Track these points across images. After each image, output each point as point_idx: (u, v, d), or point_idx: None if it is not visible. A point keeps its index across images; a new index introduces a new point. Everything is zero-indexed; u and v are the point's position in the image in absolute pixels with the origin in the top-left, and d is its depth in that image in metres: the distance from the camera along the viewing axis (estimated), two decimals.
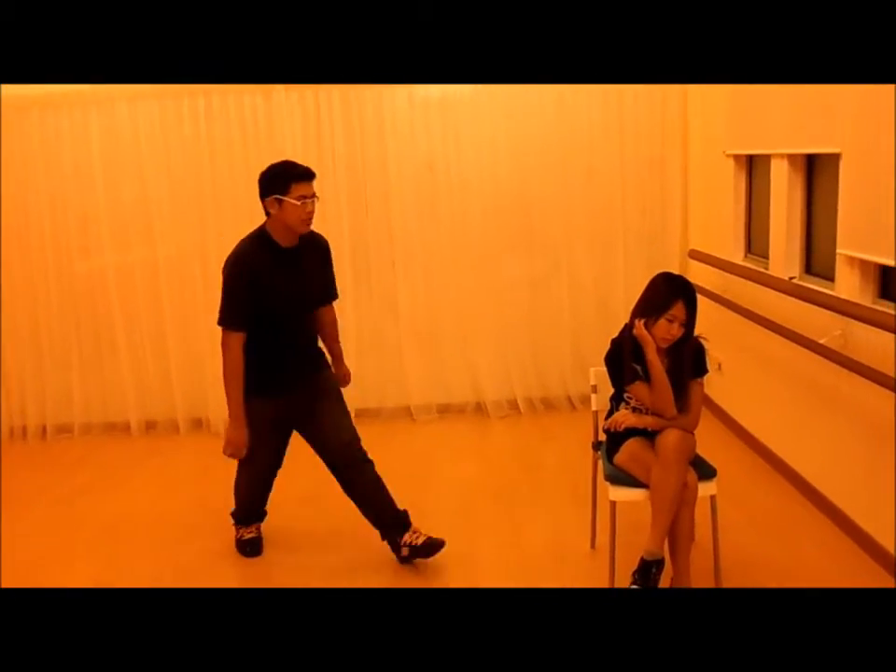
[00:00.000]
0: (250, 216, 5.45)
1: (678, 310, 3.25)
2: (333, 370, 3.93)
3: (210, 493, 4.73)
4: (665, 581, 3.23)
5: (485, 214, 5.64)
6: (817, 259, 4.23)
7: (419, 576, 3.68)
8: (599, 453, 3.58)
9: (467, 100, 5.52)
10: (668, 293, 3.29)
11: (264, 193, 3.49)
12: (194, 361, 5.75)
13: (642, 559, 3.12)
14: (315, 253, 3.69)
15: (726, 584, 3.43)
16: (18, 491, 4.88)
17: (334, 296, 3.92)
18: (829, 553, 3.71)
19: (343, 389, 3.88)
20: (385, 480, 3.80)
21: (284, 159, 3.58)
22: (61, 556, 4.04)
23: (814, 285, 4.09)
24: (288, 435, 3.89)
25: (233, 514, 4.07)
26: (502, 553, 3.85)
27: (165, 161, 5.54)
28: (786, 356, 4.33)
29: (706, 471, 3.30)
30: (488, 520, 4.15)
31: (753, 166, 4.95)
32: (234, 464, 5.19)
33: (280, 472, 4.01)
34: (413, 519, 3.77)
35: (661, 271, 3.48)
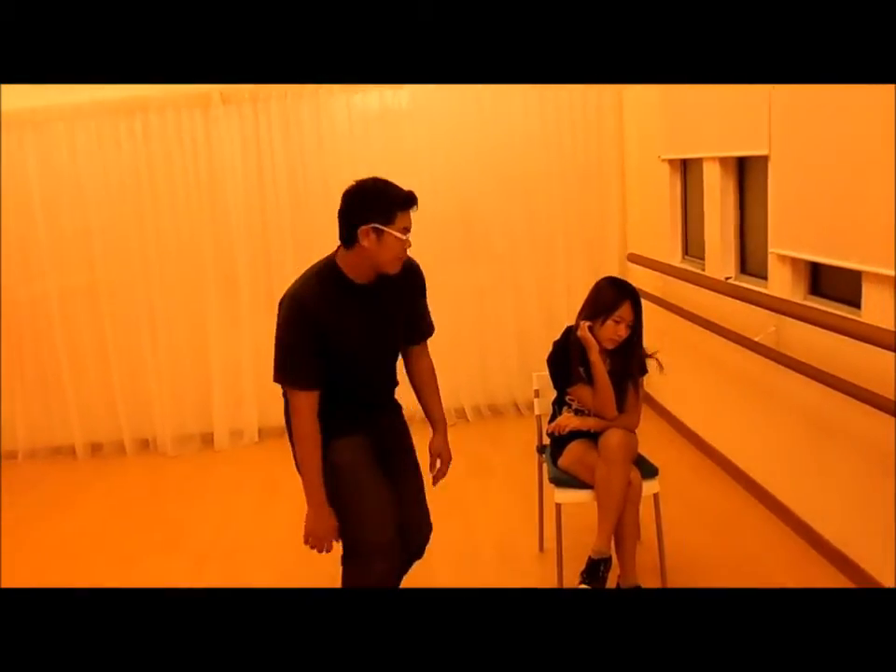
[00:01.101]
0: (190, 234, 5.54)
1: (624, 311, 3.32)
2: (430, 442, 3.11)
3: (160, 512, 4.71)
4: (612, 580, 3.28)
5: (427, 225, 5.62)
6: (751, 258, 4.33)
7: None
8: (544, 456, 3.62)
9: (404, 111, 5.56)
10: (615, 295, 3.35)
11: (359, 218, 2.67)
12: (138, 382, 5.72)
13: (590, 558, 3.17)
14: (401, 285, 2.86)
15: (672, 581, 3.49)
16: None
17: (428, 332, 3.09)
18: (772, 546, 3.79)
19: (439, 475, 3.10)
20: None
21: (382, 179, 2.76)
22: (10, 580, 3.98)
23: (749, 284, 4.19)
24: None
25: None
26: (452, 558, 3.88)
27: (104, 180, 5.49)
28: (724, 354, 4.42)
29: (648, 470, 3.36)
30: (437, 525, 4.13)
31: (687, 170, 5.05)
32: (181, 482, 5.19)
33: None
34: None
35: (602, 275, 3.53)
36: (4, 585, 3.93)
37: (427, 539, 3.08)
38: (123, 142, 5.46)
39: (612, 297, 3.33)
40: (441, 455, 3.08)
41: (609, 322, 3.30)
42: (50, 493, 5.18)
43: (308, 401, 2.75)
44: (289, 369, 2.78)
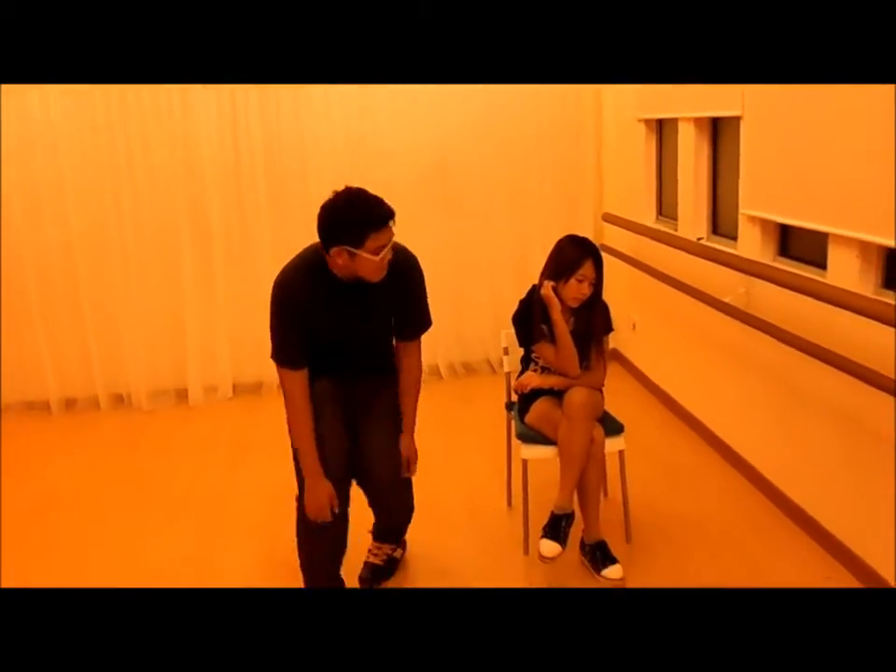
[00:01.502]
0: (165, 189, 5.51)
1: (587, 269, 3.33)
2: (398, 444, 3.20)
3: (133, 467, 4.72)
4: (576, 534, 3.33)
5: (402, 183, 5.65)
6: (723, 219, 4.35)
7: None
8: (512, 413, 3.65)
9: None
10: (577, 254, 3.36)
11: (329, 241, 2.78)
12: (112, 337, 5.68)
13: (552, 513, 3.22)
14: (392, 284, 2.93)
15: (636, 536, 3.55)
16: None
17: (420, 328, 3.19)
18: (735, 503, 3.85)
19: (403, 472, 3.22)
20: None
21: (357, 193, 2.79)
22: None
23: (720, 245, 4.21)
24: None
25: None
26: (422, 514, 3.91)
27: (78, 135, 5.39)
28: (695, 314, 4.45)
29: (613, 427, 3.40)
30: None
31: (663, 131, 5.04)
32: (156, 437, 5.20)
33: None
34: None
35: (588, 239, 3.48)
36: None
37: (388, 478, 3.17)
38: (97, 97, 5.38)
39: (574, 255, 3.34)
40: (409, 456, 3.22)
41: (573, 281, 3.31)
42: (25, 448, 5.17)
43: (297, 379, 2.93)
44: (278, 350, 2.95)
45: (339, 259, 2.77)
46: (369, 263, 2.77)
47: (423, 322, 3.19)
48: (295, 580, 3.39)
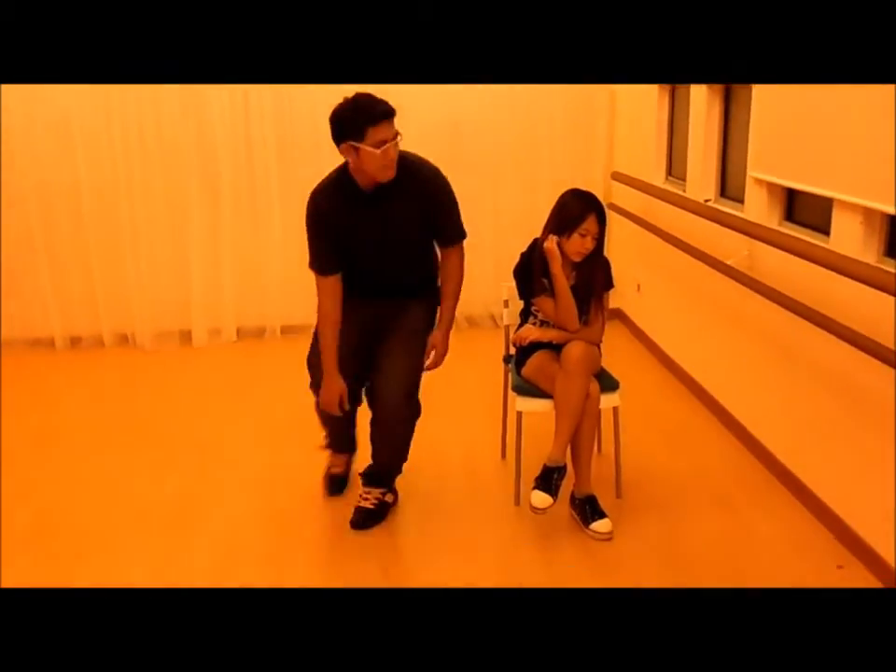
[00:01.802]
0: (173, 132, 5.50)
1: (590, 224, 3.33)
2: (431, 336, 3.40)
3: (135, 406, 4.77)
4: (567, 488, 3.37)
5: (416, 139, 5.59)
6: (731, 182, 4.33)
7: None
8: (510, 366, 3.68)
9: None
10: (581, 208, 3.35)
11: (336, 139, 3.02)
12: (119, 276, 5.71)
13: (545, 466, 3.25)
14: (415, 195, 3.16)
15: (627, 493, 3.59)
16: None
17: (454, 236, 3.35)
18: (728, 464, 3.89)
19: (433, 369, 3.41)
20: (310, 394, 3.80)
21: (357, 94, 3.00)
22: None
23: (727, 208, 4.19)
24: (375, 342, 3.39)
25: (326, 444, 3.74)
26: (417, 465, 3.95)
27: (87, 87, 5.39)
28: (699, 277, 4.45)
29: (609, 384, 3.42)
30: None
31: (676, 92, 5.00)
32: (158, 377, 5.25)
33: None
34: None
35: (593, 194, 3.46)
36: None
37: (392, 402, 3.30)
38: None
39: (578, 210, 3.34)
40: (437, 347, 3.39)
41: (576, 235, 3.32)
42: (28, 383, 5.23)
43: (327, 285, 3.25)
44: (311, 258, 3.26)
45: (349, 158, 3.04)
46: (372, 158, 2.97)
47: (456, 230, 3.36)
48: (286, 523, 3.45)
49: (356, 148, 2.97)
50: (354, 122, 2.95)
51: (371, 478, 3.55)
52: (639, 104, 5.39)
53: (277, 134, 5.62)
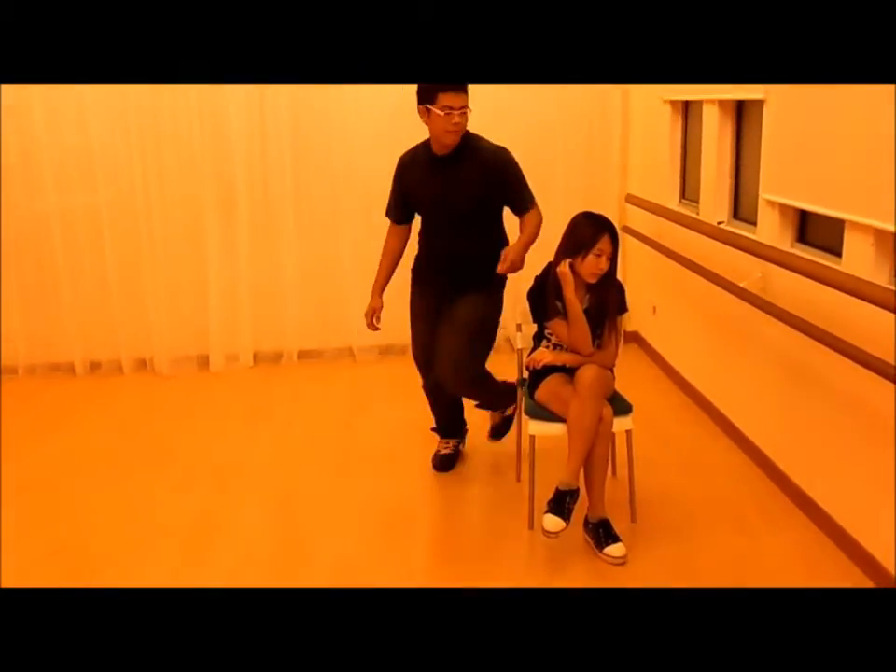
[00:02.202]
0: (191, 156, 5.56)
1: (604, 244, 3.36)
2: (464, 348, 3.76)
3: (153, 431, 4.81)
4: (581, 512, 3.36)
5: None
6: (744, 204, 4.33)
7: (348, 505, 3.79)
8: (523, 389, 3.68)
9: None
10: (594, 229, 3.39)
11: (417, 101, 3.56)
12: (137, 302, 5.77)
13: (557, 489, 3.24)
14: (478, 166, 3.64)
15: (641, 517, 3.58)
16: None
17: (522, 208, 3.77)
18: (744, 488, 3.86)
19: (507, 273, 3.68)
20: (326, 419, 4.15)
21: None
22: (7, 495, 4.10)
23: (740, 229, 4.19)
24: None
25: (433, 428, 4.27)
26: (431, 484, 3.98)
27: (106, 101, 5.46)
28: (714, 299, 4.45)
29: (622, 407, 3.42)
30: (422, 456, 4.25)
31: (689, 113, 5.02)
32: (176, 402, 5.28)
33: None
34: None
35: (604, 216, 3.51)
36: (6, 499, 4.06)
37: (446, 371, 3.76)
38: None
39: (591, 231, 3.37)
40: (508, 254, 3.56)
41: (590, 256, 3.34)
42: (49, 408, 5.28)
43: (393, 231, 3.96)
44: (388, 207, 3.92)
45: (423, 119, 3.57)
46: (438, 120, 3.48)
47: (523, 198, 3.79)
48: (302, 545, 3.47)
49: (428, 110, 3.49)
50: (428, 87, 3.48)
51: (443, 431, 4.21)
52: (652, 126, 5.42)
53: (295, 163, 5.68)
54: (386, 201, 3.94)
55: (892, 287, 2.94)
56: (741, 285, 3.91)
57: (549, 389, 3.43)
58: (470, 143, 3.64)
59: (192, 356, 5.89)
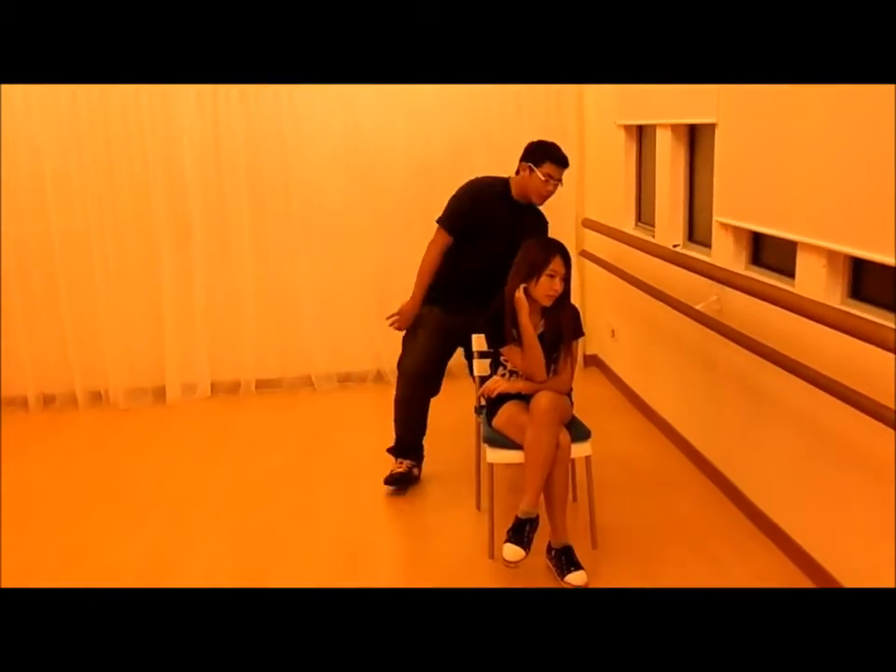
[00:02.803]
0: (145, 186, 5.50)
1: (556, 265, 3.37)
2: None
3: (108, 465, 4.72)
4: (543, 539, 3.33)
5: (387, 185, 5.67)
6: (699, 227, 4.35)
7: (306, 532, 3.74)
8: (481, 416, 3.66)
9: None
10: (545, 251, 3.41)
11: (524, 157, 3.95)
12: (91, 334, 5.68)
13: (517, 517, 3.21)
14: (537, 221, 4.07)
15: (602, 542, 3.55)
16: None
17: None
18: (705, 511, 3.85)
19: None
20: (285, 449, 4.22)
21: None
22: None
23: (696, 252, 4.21)
24: (451, 351, 4.22)
25: (389, 449, 4.30)
26: (391, 515, 3.93)
27: (58, 132, 5.40)
28: (671, 322, 4.46)
29: (580, 433, 3.40)
30: (382, 485, 4.20)
31: (643, 138, 5.05)
32: (132, 435, 5.18)
33: None
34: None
35: (558, 238, 3.59)
36: None
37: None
38: (78, 92, 5.38)
39: (542, 253, 3.39)
40: None
41: (544, 278, 3.34)
42: (2, 443, 5.16)
43: (440, 238, 4.07)
44: (444, 213, 4.08)
45: (522, 172, 3.95)
46: (537, 182, 3.89)
47: None
48: (261, 580, 3.41)
49: (530, 169, 3.89)
50: (542, 153, 3.90)
51: (404, 453, 4.23)
52: (607, 150, 5.44)
53: (251, 189, 5.64)
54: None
55: (845, 309, 2.95)
56: (697, 307, 3.92)
57: (506, 416, 3.41)
58: (539, 208, 4.08)
59: (148, 387, 5.80)
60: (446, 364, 4.21)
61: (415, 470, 4.24)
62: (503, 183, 4.05)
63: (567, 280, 3.41)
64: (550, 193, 3.97)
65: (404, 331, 4.18)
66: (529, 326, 3.34)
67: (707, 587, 3.24)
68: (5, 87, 5.33)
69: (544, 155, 3.89)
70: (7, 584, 3.48)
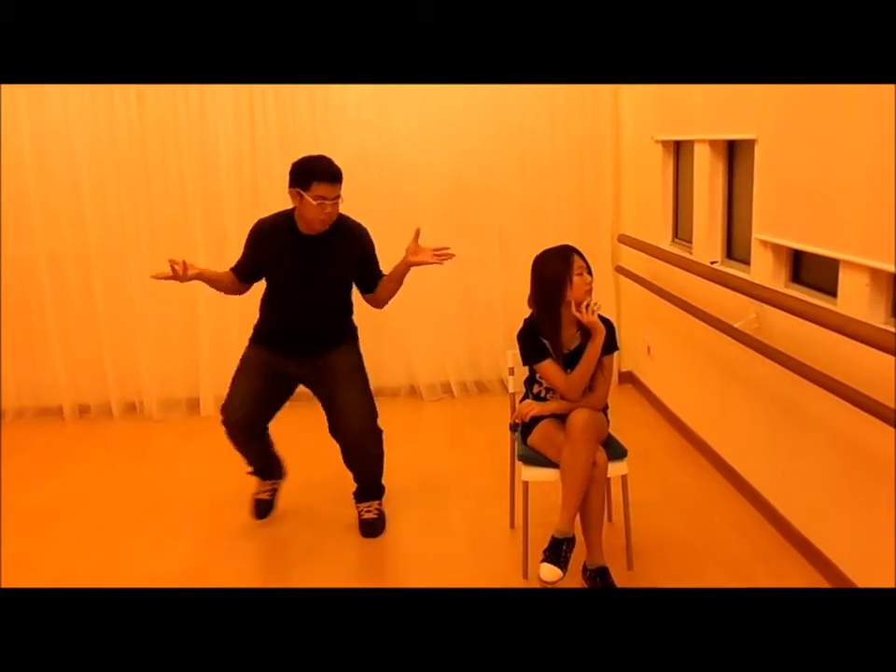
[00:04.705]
0: (181, 197, 5.54)
1: (577, 261, 3.35)
2: (367, 397, 3.86)
3: (141, 476, 4.73)
4: (579, 560, 3.29)
5: (419, 200, 5.66)
6: (737, 243, 4.31)
7: (336, 547, 3.72)
8: (516, 434, 3.62)
9: (400, 88, 5.51)
10: (561, 255, 3.38)
11: (290, 183, 3.53)
12: (127, 345, 5.72)
13: (553, 537, 3.17)
14: (345, 245, 3.67)
15: (638, 563, 3.51)
16: None
17: (375, 285, 3.83)
18: (742, 532, 3.79)
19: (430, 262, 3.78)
20: (318, 462, 4.19)
21: (318, 154, 3.59)
22: None
23: (733, 269, 4.17)
24: (287, 392, 3.92)
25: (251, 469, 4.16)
26: (424, 532, 3.90)
27: (96, 141, 5.47)
28: (709, 339, 4.41)
29: (617, 452, 3.36)
30: (413, 500, 4.19)
31: (681, 153, 5.01)
32: (166, 446, 5.20)
33: None
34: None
35: (594, 255, 3.58)
36: None
37: (361, 437, 3.84)
38: (116, 103, 5.44)
39: (562, 258, 3.36)
40: (413, 251, 3.73)
41: (575, 279, 3.31)
42: (37, 454, 5.21)
43: (237, 281, 3.79)
44: (238, 264, 3.79)
45: (293, 201, 3.54)
46: (310, 208, 3.46)
47: (380, 274, 3.84)
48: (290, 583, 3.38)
49: (300, 195, 3.48)
50: (305, 174, 3.47)
51: (364, 495, 4.00)
52: (644, 166, 5.41)
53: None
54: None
55: (889, 328, 2.90)
56: (736, 325, 3.88)
57: (541, 434, 3.38)
58: (340, 227, 3.64)
59: (182, 398, 5.82)
60: (273, 408, 3.91)
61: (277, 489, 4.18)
62: (287, 217, 3.65)
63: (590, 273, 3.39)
64: (331, 216, 3.53)
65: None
66: (598, 348, 3.31)
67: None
68: (42, 91, 5.40)
69: (309, 175, 3.46)
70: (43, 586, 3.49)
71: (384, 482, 4.06)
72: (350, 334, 3.89)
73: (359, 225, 3.76)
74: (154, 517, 4.19)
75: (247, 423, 3.84)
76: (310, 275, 3.63)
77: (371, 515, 3.95)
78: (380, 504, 4.02)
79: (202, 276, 3.61)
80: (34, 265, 5.61)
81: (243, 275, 3.78)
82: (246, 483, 4.54)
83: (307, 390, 3.95)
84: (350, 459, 3.93)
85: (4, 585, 3.55)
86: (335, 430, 3.87)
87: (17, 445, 5.34)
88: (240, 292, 3.86)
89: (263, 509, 4.10)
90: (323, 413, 3.90)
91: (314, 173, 3.46)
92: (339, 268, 3.69)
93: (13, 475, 4.83)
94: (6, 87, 5.39)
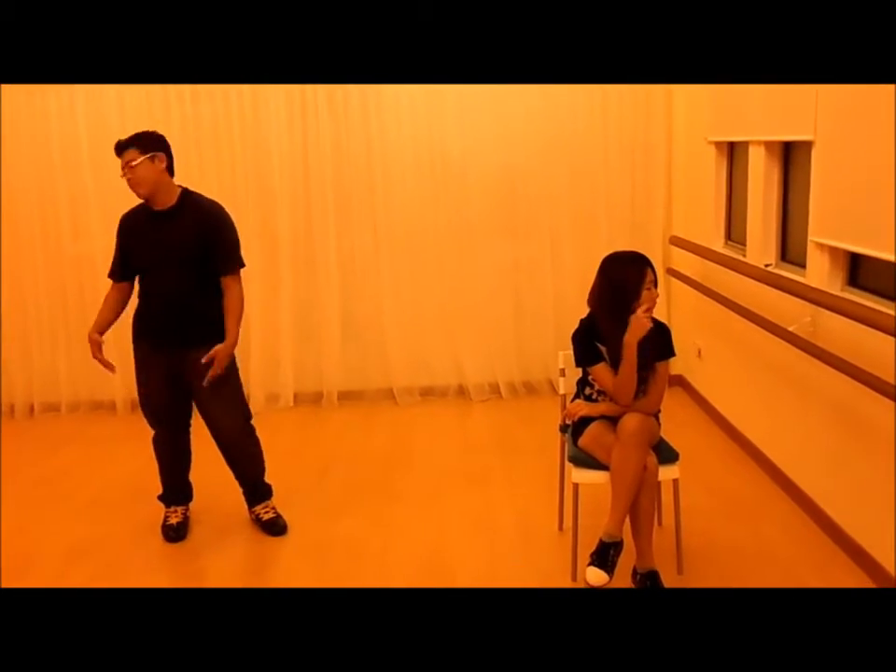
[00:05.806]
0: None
1: (649, 274, 3.32)
2: (236, 400, 3.95)
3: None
4: (628, 564, 3.26)
5: (471, 200, 5.67)
6: (792, 246, 4.25)
7: (384, 551, 3.73)
8: (566, 435, 3.61)
9: (452, 89, 5.52)
10: (636, 263, 3.34)
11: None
12: None
13: (601, 541, 3.16)
14: (193, 222, 3.71)
15: (687, 567, 3.47)
16: (6, 467, 4.93)
17: (224, 270, 3.77)
18: (793, 538, 3.74)
19: (212, 380, 3.70)
20: (365, 462, 4.08)
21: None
22: (45, 530, 4.11)
23: (788, 272, 4.11)
24: (176, 392, 3.88)
25: (159, 497, 4.13)
26: (472, 534, 3.90)
27: None
28: (761, 343, 4.36)
29: (668, 455, 3.34)
30: (461, 501, 4.20)
31: (735, 154, 4.96)
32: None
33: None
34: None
35: (635, 251, 3.47)
36: (44, 534, 4.05)
37: (233, 436, 3.95)
38: (172, 105, 5.51)
39: (635, 266, 3.33)
40: (217, 358, 3.70)
41: (644, 292, 3.28)
42: (90, 445, 5.31)
43: (113, 290, 3.88)
44: (111, 268, 3.88)
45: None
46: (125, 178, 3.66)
47: (231, 259, 3.81)
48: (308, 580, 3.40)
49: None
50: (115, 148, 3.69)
51: (255, 496, 4.07)
52: (697, 167, 5.36)
53: (337, 204, 5.71)
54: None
55: None
56: (790, 329, 3.82)
57: (592, 436, 3.36)
58: (188, 199, 3.75)
59: None
60: (181, 403, 3.93)
61: (188, 513, 4.14)
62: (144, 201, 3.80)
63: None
64: (132, 181, 3.66)
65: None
66: (633, 351, 3.25)
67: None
68: (97, 96, 5.52)
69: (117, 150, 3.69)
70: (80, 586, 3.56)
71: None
72: (218, 334, 3.74)
73: (213, 203, 3.82)
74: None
75: (158, 419, 3.97)
76: (160, 247, 3.69)
77: (270, 515, 4.02)
78: (273, 503, 4.09)
79: (105, 328, 3.89)
80: (91, 264, 5.69)
81: (117, 274, 3.86)
82: (294, 480, 4.57)
83: None
84: (228, 460, 4.02)
85: (4, 585, 3.61)
86: (214, 433, 3.94)
87: (71, 437, 5.47)
88: (128, 296, 3.90)
89: (178, 531, 4.01)
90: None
91: (116, 147, 3.69)
92: (186, 239, 3.69)
93: (68, 466, 4.95)
94: (66, 88, 5.49)
